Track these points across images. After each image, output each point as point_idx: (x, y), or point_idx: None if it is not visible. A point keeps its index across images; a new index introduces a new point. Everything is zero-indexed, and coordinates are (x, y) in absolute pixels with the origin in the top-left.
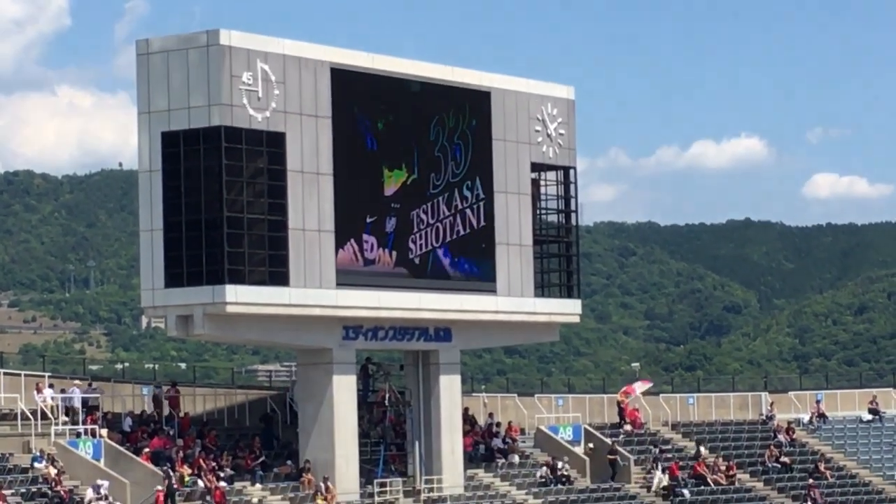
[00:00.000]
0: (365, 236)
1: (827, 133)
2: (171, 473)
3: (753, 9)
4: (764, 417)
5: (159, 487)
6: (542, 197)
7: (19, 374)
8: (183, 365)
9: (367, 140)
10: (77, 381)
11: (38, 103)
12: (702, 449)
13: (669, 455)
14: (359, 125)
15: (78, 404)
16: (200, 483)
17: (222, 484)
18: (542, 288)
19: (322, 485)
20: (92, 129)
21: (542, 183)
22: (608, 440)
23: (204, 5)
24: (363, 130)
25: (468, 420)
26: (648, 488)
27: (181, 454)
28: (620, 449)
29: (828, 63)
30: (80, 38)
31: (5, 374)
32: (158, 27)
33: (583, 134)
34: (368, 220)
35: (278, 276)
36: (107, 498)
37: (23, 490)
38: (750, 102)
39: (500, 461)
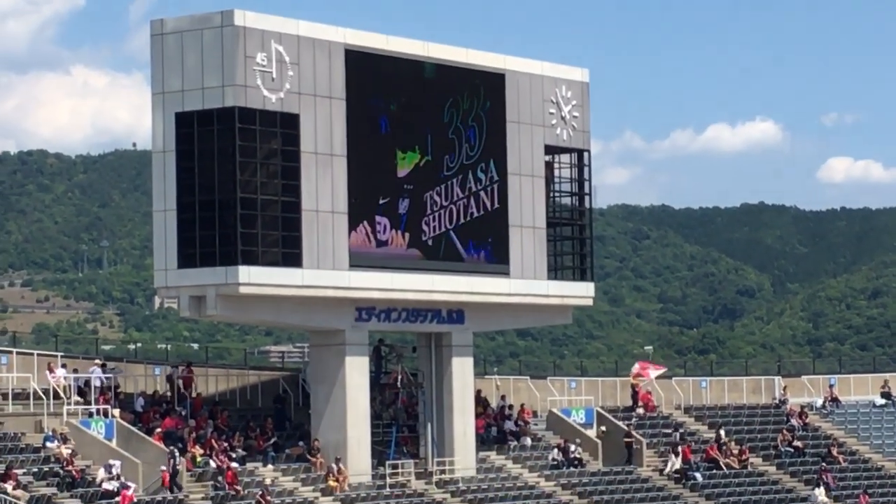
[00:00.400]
0: (378, 218)
1: (842, 117)
2: (176, 454)
3: None
4: (777, 401)
5: (163, 468)
6: (556, 179)
7: (32, 354)
8: (195, 345)
9: (381, 122)
10: (98, 361)
11: (52, 83)
12: (721, 433)
13: (686, 439)
14: (372, 107)
15: (98, 384)
16: (212, 463)
17: (234, 464)
18: (556, 271)
19: (334, 466)
20: (106, 109)
21: (556, 165)
22: (621, 423)
23: None
24: (377, 112)
25: (480, 402)
26: (661, 471)
27: (193, 434)
28: (635, 433)
29: (844, 47)
30: (95, 17)
31: (18, 353)
32: (174, 7)
33: (597, 117)
34: (381, 201)
35: (291, 258)
36: (118, 478)
37: (34, 469)
38: (765, 86)
39: (513, 444)
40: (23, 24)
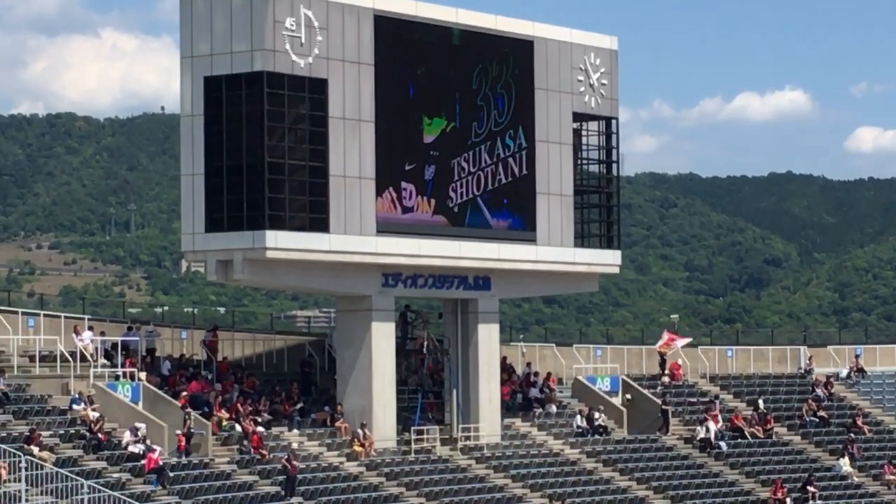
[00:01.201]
0: (403, 184)
1: (871, 87)
2: (190, 417)
3: None
4: (802, 371)
5: (179, 431)
6: (584, 147)
7: (59, 317)
8: (222, 310)
9: (409, 88)
10: (139, 324)
11: (81, 46)
12: (760, 402)
13: (714, 404)
14: (400, 73)
15: (141, 346)
16: (238, 428)
17: (259, 429)
18: (582, 238)
19: (359, 431)
20: (135, 73)
21: (584, 133)
22: (647, 392)
23: None
24: (405, 78)
25: (506, 369)
26: (687, 440)
27: (219, 399)
28: (659, 401)
29: (874, 17)
30: None
31: (45, 316)
32: None
33: (626, 85)
34: (407, 167)
35: (318, 223)
36: (144, 440)
37: (61, 432)
38: (795, 55)
39: (538, 411)
40: None
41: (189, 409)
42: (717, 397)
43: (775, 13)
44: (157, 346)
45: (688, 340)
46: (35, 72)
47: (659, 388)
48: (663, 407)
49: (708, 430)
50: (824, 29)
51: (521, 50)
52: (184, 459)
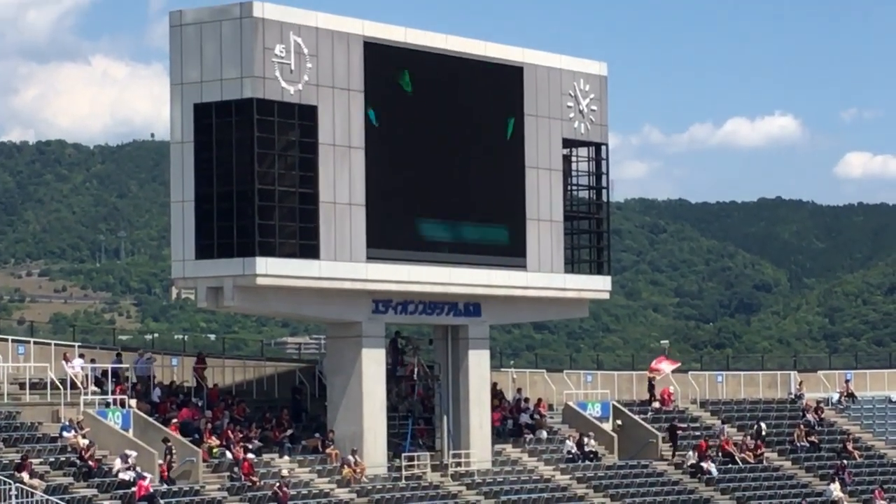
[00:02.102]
0: (395, 209)
1: (861, 113)
2: (173, 449)
3: None
4: (793, 396)
5: (160, 462)
6: (574, 173)
7: (49, 344)
8: (212, 336)
9: (398, 115)
10: (141, 351)
11: (72, 73)
12: (763, 426)
13: (697, 433)
14: (391, 99)
15: (142, 374)
16: (228, 454)
17: (250, 455)
18: (573, 264)
19: (350, 457)
20: (126, 100)
21: (574, 159)
22: (637, 417)
23: None
24: (395, 104)
25: (496, 395)
26: (677, 465)
27: (209, 425)
28: (649, 427)
29: (864, 42)
30: (116, 7)
31: (35, 343)
32: None
33: (617, 111)
34: (398, 193)
35: (308, 249)
36: (135, 468)
37: (51, 459)
38: (785, 81)
39: (528, 437)
40: (43, 13)
41: (170, 442)
42: (702, 428)
43: (765, 39)
44: (157, 374)
45: (677, 365)
46: (26, 99)
47: (650, 413)
48: (673, 428)
49: (691, 457)
50: (814, 55)
51: (510, 76)
52: (174, 487)
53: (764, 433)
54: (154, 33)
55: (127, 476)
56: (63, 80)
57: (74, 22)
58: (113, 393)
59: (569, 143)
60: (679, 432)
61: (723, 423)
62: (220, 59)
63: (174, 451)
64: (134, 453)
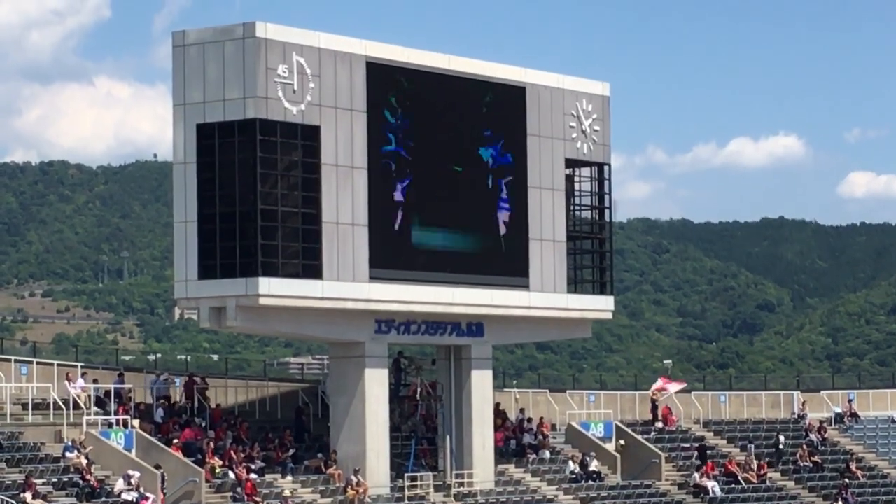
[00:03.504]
0: (398, 229)
1: (865, 133)
2: (164, 476)
3: (793, 7)
4: (796, 416)
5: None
6: (576, 193)
7: (52, 365)
8: (215, 356)
9: (401, 134)
10: (156, 373)
11: (76, 93)
12: (781, 438)
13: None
14: (393, 119)
15: (159, 394)
16: (231, 475)
17: (253, 476)
18: (575, 284)
19: (353, 478)
20: (129, 120)
21: (577, 179)
22: (640, 437)
23: None
24: (397, 124)
25: (499, 415)
26: (681, 485)
27: (212, 445)
28: (652, 447)
29: (868, 63)
30: (120, 29)
31: (38, 363)
32: (198, 18)
33: (621, 131)
34: (402, 213)
35: (311, 269)
36: (138, 488)
37: (54, 479)
38: (789, 101)
39: (531, 457)
40: (47, 35)
41: (162, 469)
42: (750, 442)
43: (769, 59)
44: (156, 393)
45: (682, 386)
46: (29, 120)
47: (653, 433)
48: (699, 446)
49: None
50: (818, 75)
51: (513, 96)
52: None
53: (782, 445)
54: (158, 54)
55: (130, 497)
56: (66, 101)
57: (78, 43)
58: (116, 413)
59: (571, 164)
60: (708, 451)
61: (749, 442)
62: (223, 79)
63: (166, 479)
64: (137, 474)
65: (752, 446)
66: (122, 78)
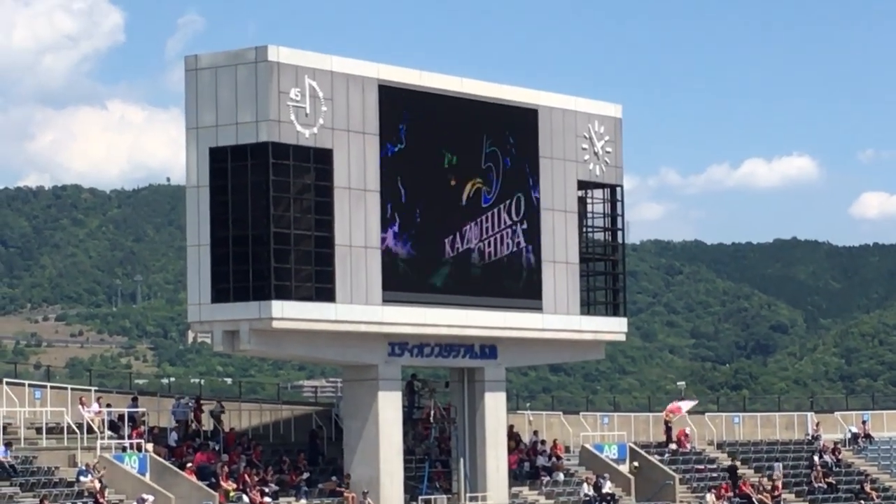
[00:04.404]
0: (411, 252)
1: (878, 154)
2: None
3: (806, 29)
4: (810, 437)
5: None
6: (589, 215)
7: (66, 389)
8: (229, 380)
9: (417, 158)
10: (178, 396)
11: (89, 117)
12: (816, 458)
13: (715, 475)
14: (405, 141)
15: (181, 418)
16: (245, 498)
17: (267, 499)
18: (588, 306)
19: (368, 501)
20: (143, 144)
21: (589, 201)
22: (654, 458)
23: (258, 21)
24: (412, 147)
25: (513, 437)
26: None
27: (226, 469)
28: (666, 468)
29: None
30: (133, 53)
31: (52, 388)
32: (211, 42)
33: (634, 153)
34: (415, 235)
35: (324, 292)
36: None
37: (68, 503)
38: (802, 122)
39: (545, 479)
40: (60, 59)
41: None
42: (720, 469)
43: (782, 79)
44: (169, 418)
45: (694, 403)
46: (42, 144)
47: (667, 455)
48: (736, 465)
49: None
50: (831, 95)
51: (525, 118)
52: None
53: (817, 463)
54: (171, 78)
55: None
56: (79, 125)
57: (92, 67)
58: (129, 437)
59: (584, 185)
60: (739, 471)
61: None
62: (236, 103)
63: None
64: (151, 497)
65: (780, 465)
66: (135, 102)
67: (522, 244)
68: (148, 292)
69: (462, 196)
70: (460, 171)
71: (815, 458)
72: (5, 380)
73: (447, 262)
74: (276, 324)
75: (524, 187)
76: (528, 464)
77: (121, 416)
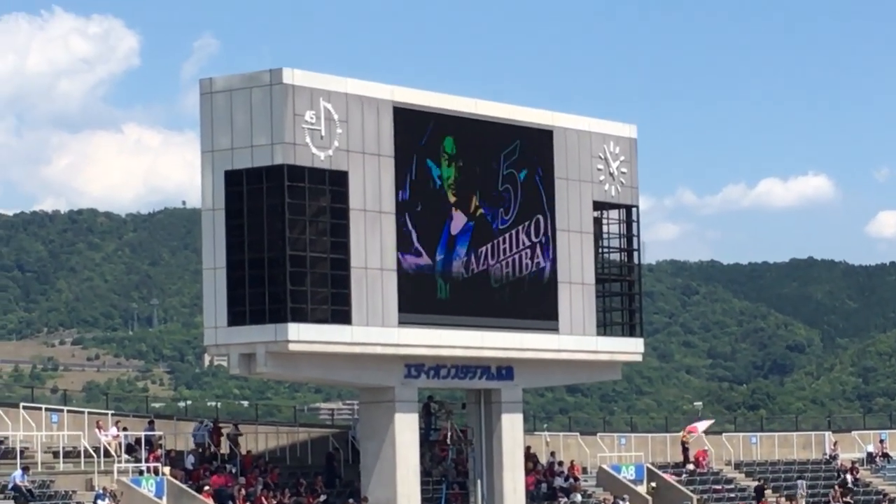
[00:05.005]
0: (426, 273)
1: (894, 172)
2: None
3: (822, 49)
4: (828, 457)
5: None
6: (605, 235)
7: (83, 413)
8: (245, 403)
9: (432, 180)
10: (199, 421)
11: (105, 141)
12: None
13: (732, 495)
14: (421, 163)
15: (200, 441)
16: None
17: None
18: (605, 326)
19: None
20: (158, 168)
21: (605, 221)
22: (671, 479)
23: (272, 44)
24: (426, 168)
25: (530, 459)
26: None
27: (243, 492)
28: (684, 489)
29: None
30: (149, 76)
31: (69, 411)
32: (226, 66)
33: (651, 173)
34: (430, 258)
35: (340, 315)
36: None
37: None
38: (818, 141)
39: (563, 500)
40: (76, 83)
41: None
42: (737, 490)
43: (798, 99)
44: (187, 441)
45: (710, 422)
46: (58, 168)
47: (684, 475)
48: (763, 486)
49: None
50: (847, 114)
51: (540, 139)
52: None
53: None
54: (187, 101)
55: None
56: (95, 149)
57: (107, 91)
58: (146, 461)
59: (599, 206)
60: (766, 490)
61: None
62: (251, 125)
63: None
64: None
65: (804, 483)
66: (151, 125)
67: (538, 265)
68: (164, 316)
69: (478, 217)
70: (477, 192)
71: (838, 476)
72: (22, 404)
73: (463, 284)
74: (292, 346)
75: (540, 208)
76: (545, 485)
77: (138, 440)
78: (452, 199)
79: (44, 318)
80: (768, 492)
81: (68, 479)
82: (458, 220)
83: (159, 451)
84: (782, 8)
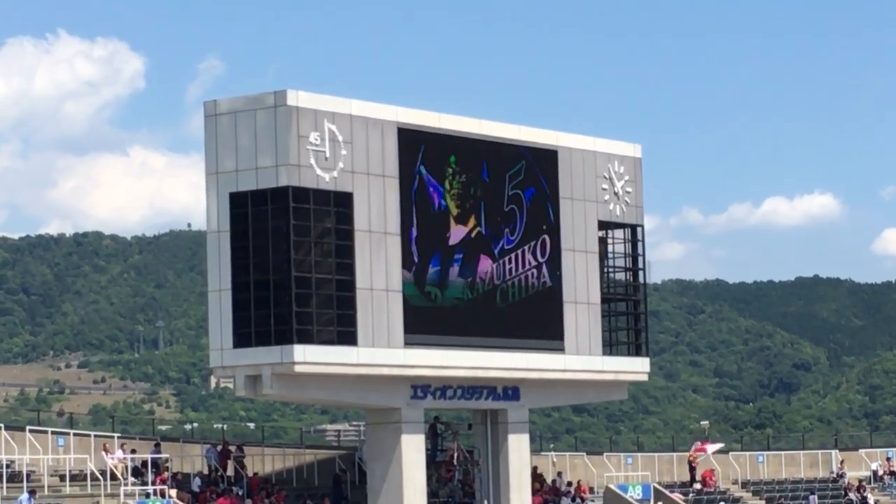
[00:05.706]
0: (431, 294)
1: None
2: None
3: (827, 67)
4: (834, 475)
5: None
6: (610, 255)
7: (89, 436)
8: (252, 425)
9: (435, 199)
10: (212, 442)
11: (110, 164)
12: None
13: None
14: (426, 184)
15: (212, 462)
16: None
17: None
18: (611, 346)
19: None
20: (164, 190)
21: (610, 241)
22: (679, 498)
23: (277, 65)
24: (431, 189)
25: (537, 479)
26: None
27: None
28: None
29: None
30: (154, 99)
31: (75, 435)
32: (231, 88)
33: (656, 192)
34: (435, 277)
35: (346, 336)
36: None
37: None
38: (824, 160)
39: None
40: (82, 106)
41: None
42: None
43: (803, 117)
44: (193, 463)
45: (720, 446)
46: (64, 191)
47: (691, 495)
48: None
49: None
50: (852, 133)
51: (545, 159)
52: None
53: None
54: (192, 123)
55: None
56: (101, 172)
57: (112, 114)
58: (153, 483)
59: (604, 226)
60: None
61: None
62: (255, 147)
63: None
64: None
65: (815, 497)
66: (156, 148)
67: (545, 285)
68: (170, 338)
69: (484, 238)
70: (482, 213)
71: (845, 495)
72: (28, 427)
73: (469, 304)
74: (298, 368)
75: (546, 228)
76: None
77: (144, 463)
78: (457, 219)
79: (49, 342)
80: None
81: (75, 502)
82: (464, 240)
83: (166, 474)
84: (788, 28)
